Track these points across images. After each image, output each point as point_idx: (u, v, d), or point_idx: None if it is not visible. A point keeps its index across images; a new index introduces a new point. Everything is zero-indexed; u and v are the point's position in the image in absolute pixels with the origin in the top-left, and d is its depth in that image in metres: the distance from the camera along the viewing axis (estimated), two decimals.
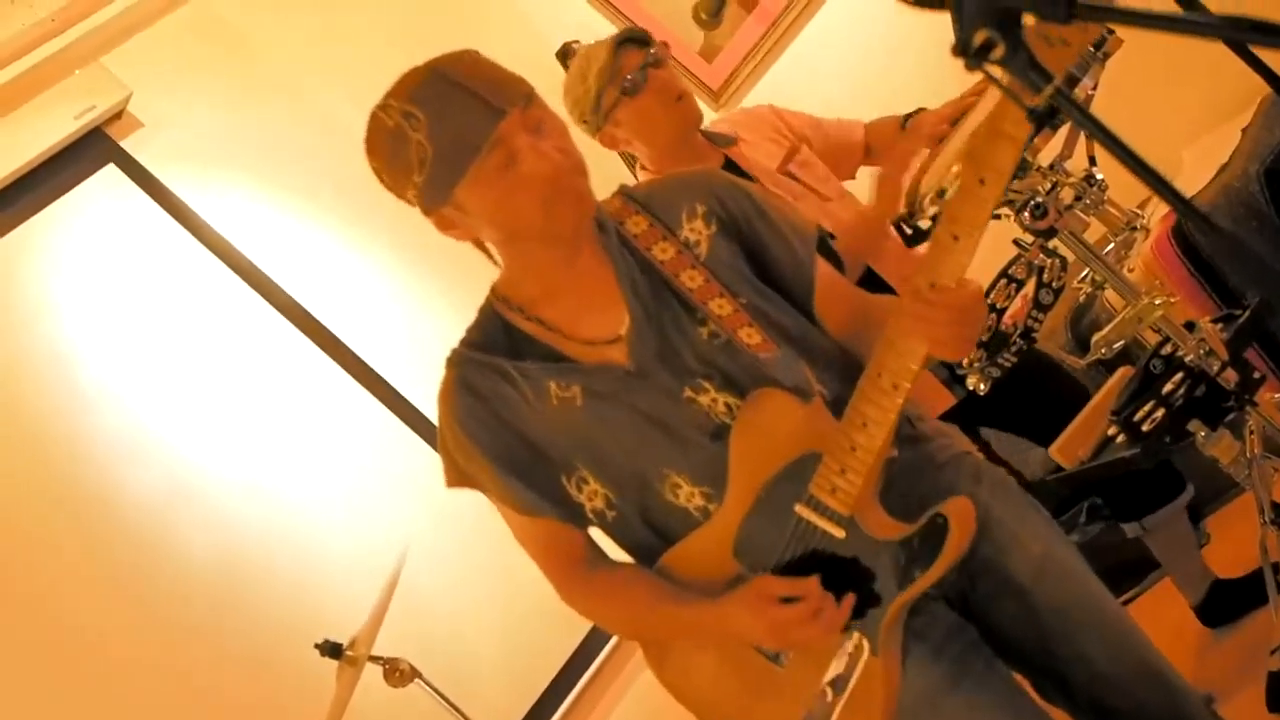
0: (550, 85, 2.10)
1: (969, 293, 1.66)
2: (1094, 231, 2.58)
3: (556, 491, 1.83)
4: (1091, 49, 2.16)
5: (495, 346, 1.83)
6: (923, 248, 2.47)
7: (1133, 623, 1.88)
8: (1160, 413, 2.29)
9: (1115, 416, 2.35)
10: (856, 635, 1.74)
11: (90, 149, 3.95)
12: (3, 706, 3.25)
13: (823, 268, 1.88)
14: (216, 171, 4.11)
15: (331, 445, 3.99)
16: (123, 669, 3.42)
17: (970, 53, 1.03)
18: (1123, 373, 2.56)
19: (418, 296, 4.12)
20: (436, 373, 1.87)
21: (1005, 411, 3.00)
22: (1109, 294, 3.24)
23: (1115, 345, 2.41)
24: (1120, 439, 2.33)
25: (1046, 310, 2.39)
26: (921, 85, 2.79)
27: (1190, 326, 2.38)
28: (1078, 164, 2.53)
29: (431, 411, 1.89)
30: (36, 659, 3.34)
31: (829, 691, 1.73)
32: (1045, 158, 2.53)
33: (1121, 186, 2.54)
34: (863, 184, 3.04)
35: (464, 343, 1.86)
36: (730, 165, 2.90)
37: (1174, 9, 1.11)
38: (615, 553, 1.91)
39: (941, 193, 2.32)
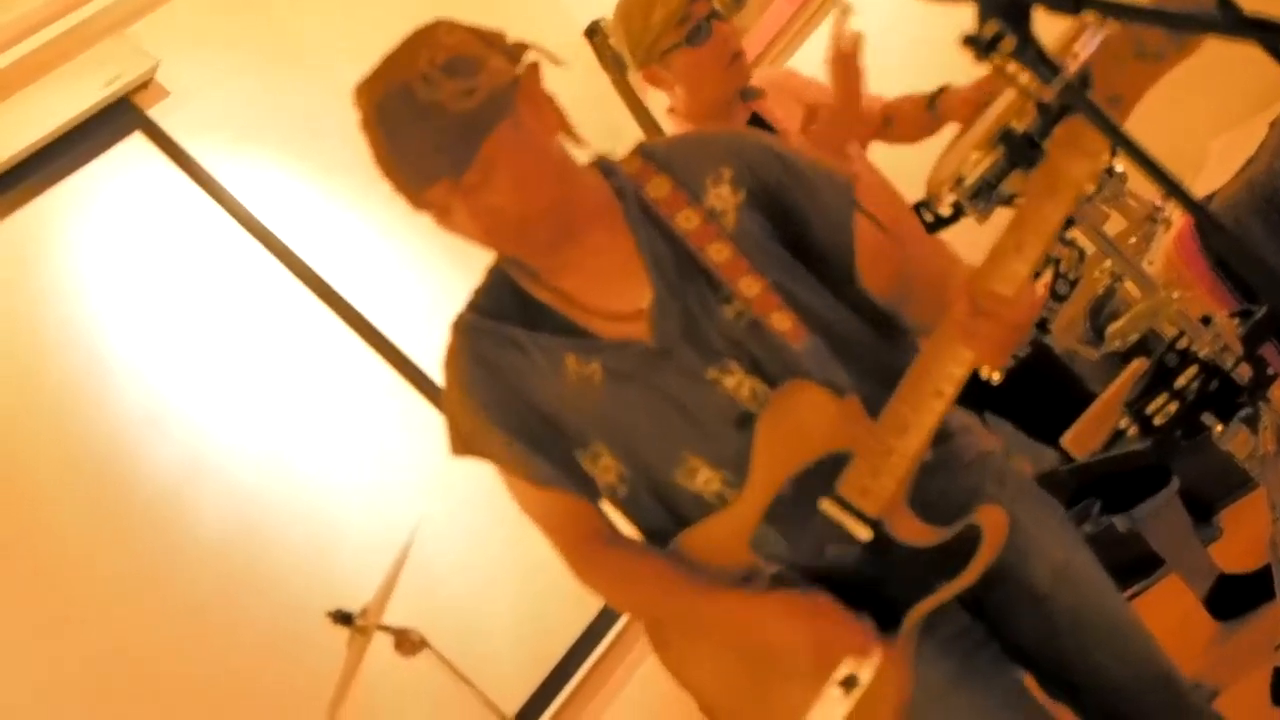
0: (576, 68, 2.07)
1: (1027, 306, 1.62)
2: (1117, 224, 2.58)
3: (570, 464, 1.77)
4: None
5: (506, 313, 1.78)
6: (942, 234, 2.48)
7: (1146, 630, 1.86)
8: (1173, 406, 2.29)
9: (1127, 408, 2.34)
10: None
11: (117, 117, 3.96)
12: (13, 678, 3.26)
13: (863, 225, 1.79)
14: (243, 142, 4.12)
15: (350, 417, 4.00)
16: (136, 640, 3.44)
17: (980, 44, 1.04)
18: (1138, 365, 2.56)
19: (440, 272, 4.11)
20: (440, 359, 1.84)
21: (1009, 406, 3.00)
22: (1129, 286, 3.23)
23: (1130, 337, 2.41)
24: (1132, 431, 2.33)
25: (1062, 300, 2.38)
26: (942, 74, 2.78)
27: (1206, 321, 2.38)
28: None
29: None
30: (49, 628, 3.35)
31: (839, 691, 1.68)
32: None
33: (1144, 179, 2.53)
34: (879, 159, 3.02)
35: (471, 307, 1.82)
36: (756, 120, 2.87)
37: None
38: (626, 530, 1.86)
39: (960, 181, 2.32)
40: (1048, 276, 2.55)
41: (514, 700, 3.69)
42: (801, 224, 1.78)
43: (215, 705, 3.47)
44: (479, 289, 1.83)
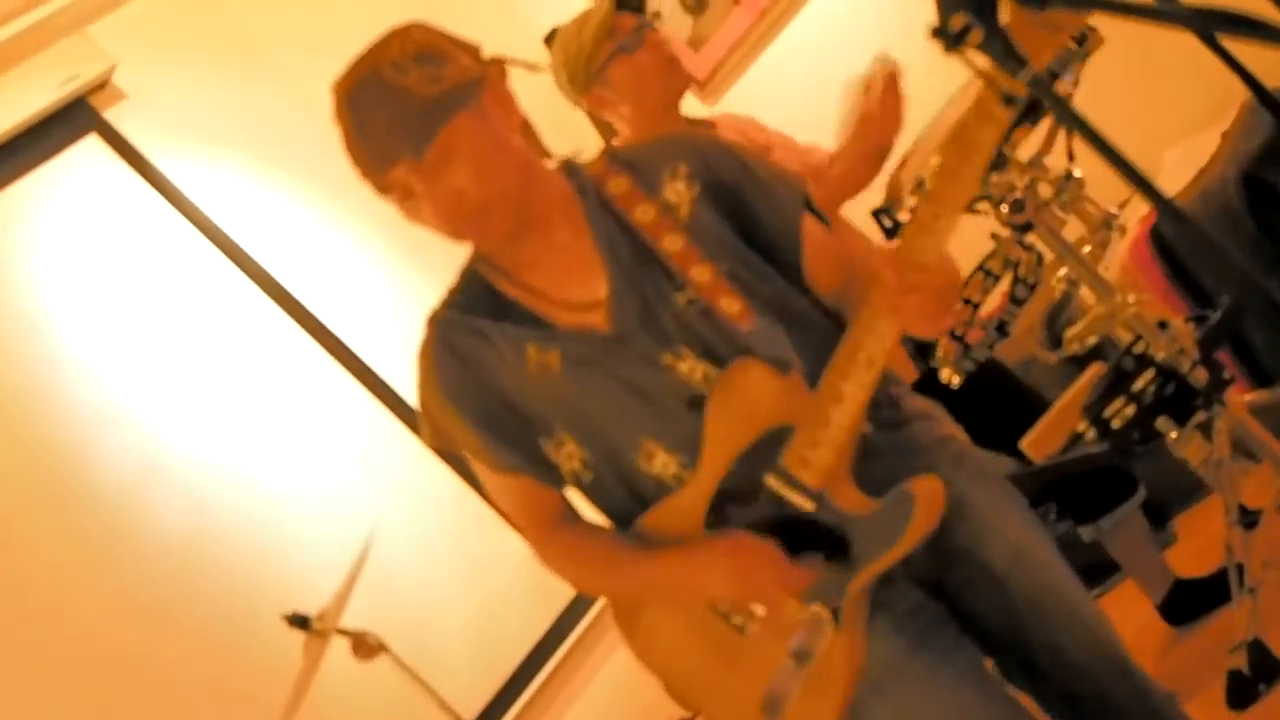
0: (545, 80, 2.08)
1: (948, 275, 1.67)
2: (1074, 232, 2.61)
3: (534, 451, 1.84)
4: (1074, 45, 2.18)
5: (476, 307, 1.84)
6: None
7: (1102, 614, 1.90)
8: (1130, 410, 2.31)
9: (1085, 412, 2.37)
10: (818, 607, 1.75)
11: (72, 118, 3.91)
12: None
13: (810, 226, 1.86)
14: (199, 145, 4.08)
15: (306, 422, 3.97)
16: (89, 640, 3.40)
17: (949, 37, 1.05)
18: (1095, 369, 2.59)
19: (400, 276, 4.10)
20: (415, 353, 1.88)
21: (962, 415, 3.03)
22: (1085, 292, 3.27)
23: (1088, 342, 2.44)
24: (1089, 435, 2.35)
25: (1021, 304, 2.41)
26: (910, 78, 2.79)
27: (1163, 325, 2.41)
28: (1057, 162, 2.55)
29: (408, 391, 1.90)
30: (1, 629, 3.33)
31: (792, 663, 1.74)
32: (1025, 154, 2.56)
33: (1101, 188, 2.56)
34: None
35: (445, 303, 1.87)
36: None
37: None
38: (591, 516, 1.92)
39: (920, 184, 2.34)
40: (1006, 283, 2.59)
41: (473, 704, 3.67)
42: (752, 221, 1.85)
43: (169, 708, 3.43)
44: (453, 287, 1.89)
